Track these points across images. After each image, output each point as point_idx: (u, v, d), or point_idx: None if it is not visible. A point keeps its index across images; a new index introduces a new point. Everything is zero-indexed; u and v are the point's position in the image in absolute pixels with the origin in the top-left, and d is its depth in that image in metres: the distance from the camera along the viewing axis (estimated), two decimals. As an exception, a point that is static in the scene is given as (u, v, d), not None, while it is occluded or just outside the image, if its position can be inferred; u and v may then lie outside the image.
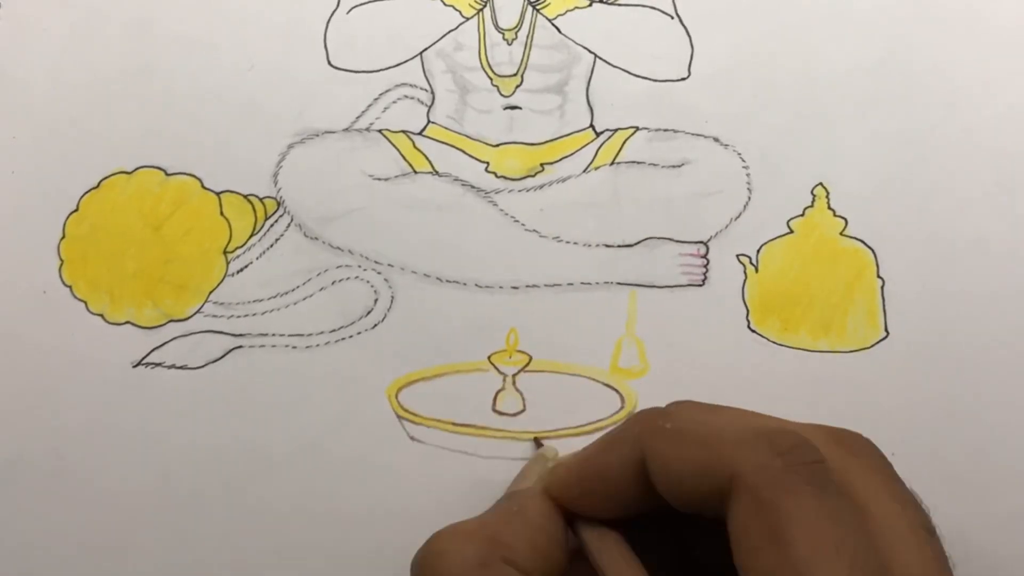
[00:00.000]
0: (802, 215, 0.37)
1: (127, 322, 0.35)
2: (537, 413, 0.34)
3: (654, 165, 0.37)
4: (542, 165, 0.37)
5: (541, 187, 0.37)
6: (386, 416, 0.34)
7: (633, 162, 0.37)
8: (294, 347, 0.35)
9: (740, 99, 0.38)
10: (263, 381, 0.35)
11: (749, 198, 0.37)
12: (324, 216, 0.36)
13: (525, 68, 0.38)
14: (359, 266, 0.36)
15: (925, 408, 0.35)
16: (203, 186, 0.37)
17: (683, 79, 0.38)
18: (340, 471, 0.34)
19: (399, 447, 0.34)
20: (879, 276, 0.36)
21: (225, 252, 0.36)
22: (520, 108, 0.38)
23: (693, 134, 0.37)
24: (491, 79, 0.38)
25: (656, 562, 0.27)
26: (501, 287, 0.36)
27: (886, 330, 0.35)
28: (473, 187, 0.37)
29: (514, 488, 0.30)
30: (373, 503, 0.34)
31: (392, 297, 0.36)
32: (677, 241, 0.36)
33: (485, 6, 0.39)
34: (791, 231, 0.36)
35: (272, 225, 0.36)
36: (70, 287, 0.36)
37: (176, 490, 0.34)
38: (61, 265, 0.36)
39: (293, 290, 0.36)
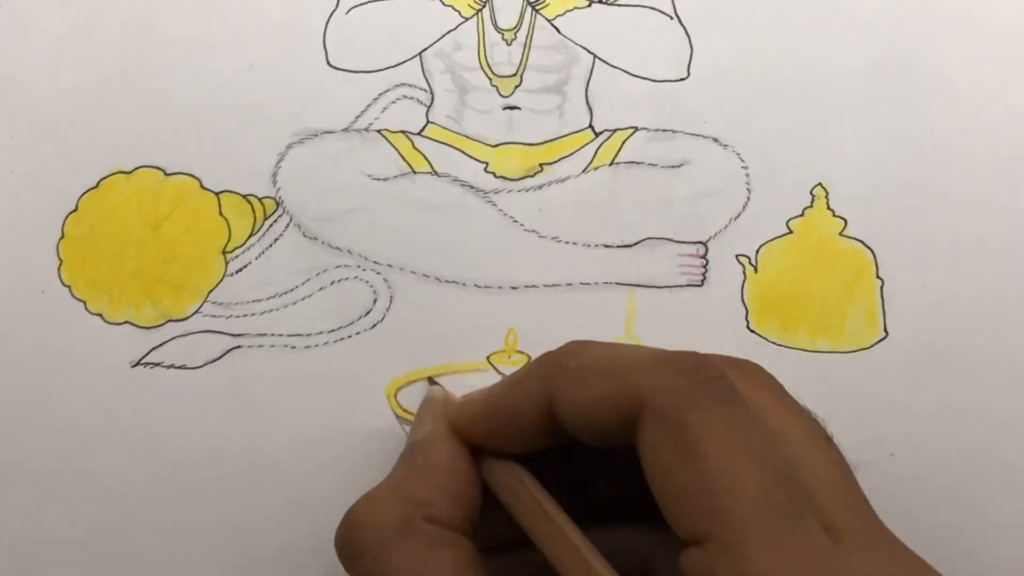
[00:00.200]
0: (801, 215, 0.37)
1: (126, 322, 0.35)
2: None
3: (653, 165, 0.37)
4: (541, 165, 0.37)
5: (540, 187, 0.37)
6: (385, 416, 0.34)
7: (632, 162, 0.37)
8: (293, 347, 0.35)
9: (740, 99, 0.38)
10: (262, 381, 0.35)
11: (748, 198, 0.37)
12: (323, 216, 0.36)
13: (524, 68, 0.38)
14: (358, 266, 0.36)
15: (924, 408, 0.35)
16: (202, 186, 0.37)
17: (682, 79, 0.38)
18: (339, 471, 0.34)
19: (398, 447, 0.34)
20: (878, 276, 0.36)
21: (224, 252, 0.36)
22: (519, 108, 0.38)
23: (692, 134, 0.37)
24: (490, 79, 0.38)
25: (554, 495, 0.28)
26: (500, 287, 0.36)
27: (885, 330, 0.35)
28: (472, 187, 0.37)
29: (414, 438, 0.29)
30: (372, 503, 0.34)
31: (391, 297, 0.36)
32: (676, 241, 0.36)
33: (484, 6, 0.39)
34: (790, 231, 0.36)
35: (271, 225, 0.36)
36: (69, 287, 0.36)
37: (175, 490, 0.34)
38: (60, 265, 0.36)
39: (292, 290, 0.36)
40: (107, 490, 0.34)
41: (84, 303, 0.36)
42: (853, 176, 0.37)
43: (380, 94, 0.38)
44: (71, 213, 0.36)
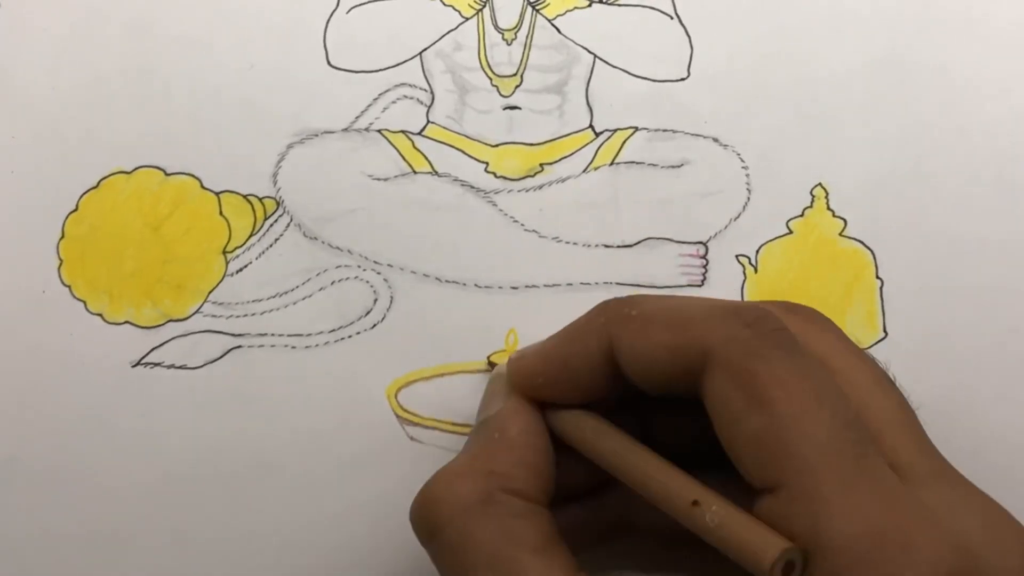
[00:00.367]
0: (801, 216, 0.37)
1: (126, 322, 0.35)
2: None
3: (653, 165, 0.37)
4: (541, 165, 0.37)
5: (540, 187, 0.37)
6: (385, 416, 0.34)
7: (632, 162, 0.37)
8: (293, 347, 0.35)
9: (740, 99, 0.38)
10: (262, 381, 0.35)
11: (748, 198, 0.37)
12: (323, 216, 0.36)
13: (524, 68, 0.38)
14: (358, 266, 0.36)
15: (924, 408, 0.34)
16: (202, 186, 0.37)
17: (683, 79, 0.38)
18: (340, 471, 0.34)
19: (399, 447, 0.34)
20: (878, 277, 0.36)
21: (224, 252, 0.36)
22: (519, 108, 0.38)
23: (692, 134, 0.37)
24: (490, 79, 0.38)
25: None
26: (500, 287, 0.36)
27: (885, 331, 0.35)
28: (472, 187, 0.37)
29: (486, 414, 0.30)
30: (373, 503, 0.34)
31: (391, 297, 0.36)
32: (676, 241, 0.36)
33: (484, 6, 0.39)
34: (790, 231, 0.36)
35: (271, 225, 0.36)
36: (69, 287, 0.36)
37: (175, 490, 0.34)
38: (60, 265, 0.36)
39: (292, 290, 0.36)
40: (107, 490, 0.34)
41: (84, 303, 0.36)
42: (853, 176, 0.37)
43: (380, 94, 0.38)
44: (71, 213, 0.36)
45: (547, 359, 0.29)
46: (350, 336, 0.35)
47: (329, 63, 0.38)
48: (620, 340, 0.27)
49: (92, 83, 0.38)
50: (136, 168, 0.37)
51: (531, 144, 0.37)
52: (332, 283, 0.36)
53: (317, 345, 0.35)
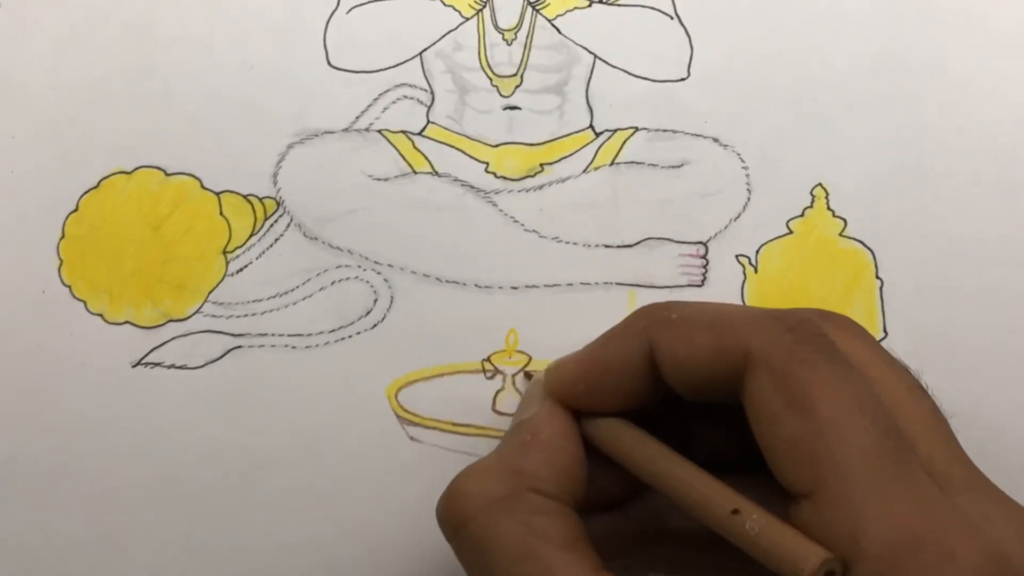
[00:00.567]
0: (801, 216, 0.37)
1: (126, 322, 0.35)
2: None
3: (653, 165, 0.37)
4: (541, 165, 0.37)
5: (541, 187, 0.37)
6: (386, 416, 0.34)
7: (633, 162, 0.37)
8: (293, 347, 0.35)
9: (740, 99, 0.38)
10: (262, 381, 0.35)
11: (748, 198, 0.37)
12: (324, 216, 0.36)
13: (525, 68, 0.38)
14: (359, 266, 0.36)
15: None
16: (202, 186, 0.37)
17: (683, 79, 0.38)
18: (340, 471, 0.34)
19: (399, 447, 0.34)
20: (878, 277, 0.36)
21: (224, 252, 0.36)
22: (520, 108, 0.38)
23: (692, 134, 0.37)
24: (491, 79, 0.38)
25: None
26: (501, 287, 0.36)
27: (885, 331, 0.35)
28: (473, 187, 0.37)
29: (521, 417, 0.30)
30: (373, 503, 0.34)
31: (392, 297, 0.36)
32: (676, 242, 0.36)
33: (485, 6, 0.39)
34: (790, 232, 0.36)
35: (272, 225, 0.36)
36: (69, 287, 0.36)
37: (175, 490, 0.34)
38: (60, 265, 0.36)
39: (292, 290, 0.36)
40: (107, 490, 0.34)
41: (84, 303, 0.36)
42: (853, 176, 0.37)
43: (380, 94, 0.38)
44: (71, 213, 0.36)
45: (588, 365, 0.28)
46: (350, 336, 0.35)
47: (329, 63, 0.38)
48: (661, 343, 0.27)
49: (92, 83, 0.38)
50: (136, 168, 0.37)
51: (531, 144, 0.37)
52: (332, 283, 0.36)
53: (317, 345, 0.35)
